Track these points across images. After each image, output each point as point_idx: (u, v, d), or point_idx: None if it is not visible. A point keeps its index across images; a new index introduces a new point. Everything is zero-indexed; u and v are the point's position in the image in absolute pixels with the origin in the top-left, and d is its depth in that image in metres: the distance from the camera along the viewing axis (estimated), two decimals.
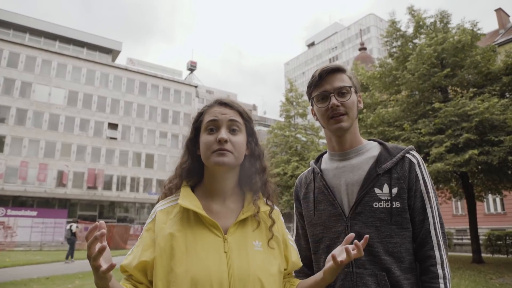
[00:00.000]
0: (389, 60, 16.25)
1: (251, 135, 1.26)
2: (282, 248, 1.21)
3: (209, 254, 1.07)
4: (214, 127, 1.17)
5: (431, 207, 1.25)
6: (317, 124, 34.05)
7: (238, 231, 1.14)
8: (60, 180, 38.48)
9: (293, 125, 26.39)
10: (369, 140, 1.46)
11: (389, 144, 1.39)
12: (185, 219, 1.14)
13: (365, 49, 47.78)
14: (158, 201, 1.27)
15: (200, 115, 1.25)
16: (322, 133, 26.78)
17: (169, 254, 1.08)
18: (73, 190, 39.06)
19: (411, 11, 15.29)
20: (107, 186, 41.25)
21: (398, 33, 15.84)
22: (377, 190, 1.27)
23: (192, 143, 1.26)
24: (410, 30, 15.75)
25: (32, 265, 13.88)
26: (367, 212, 1.27)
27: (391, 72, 15.13)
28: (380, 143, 1.42)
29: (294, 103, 26.36)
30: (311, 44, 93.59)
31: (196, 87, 51.85)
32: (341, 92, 1.33)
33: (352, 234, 1.07)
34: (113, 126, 43.09)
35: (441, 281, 1.18)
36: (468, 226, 15.25)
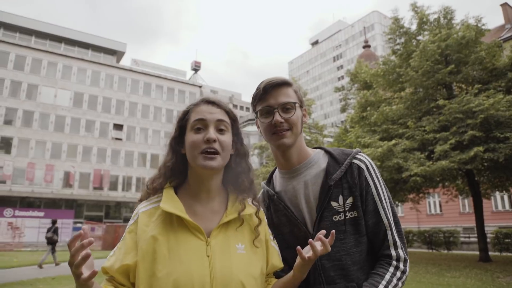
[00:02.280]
0: (393, 58, 16.13)
1: (236, 134, 1.25)
2: (265, 248, 1.21)
3: (191, 258, 1.06)
4: (202, 126, 1.16)
5: (383, 208, 1.25)
6: (321, 122, 33.96)
7: (221, 234, 1.13)
8: (67, 181, 38.83)
9: None
10: (315, 148, 1.44)
11: (335, 151, 1.37)
12: (168, 222, 1.11)
13: (369, 46, 47.51)
14: (140, 201, 1.23)
15: (186, 113, 1.23)
16: (326, 131, 26.67)
17: (151, 258, 1.06)
18: (79, 191, 39.38)
19: (414, 7, 15.15)
20: (113, 186, 41.51)
21: (401, 30, 15.69)
22: (333, 203, 1.27)
23: (176, 141, 1.23)
24: (414, 27, 15.61)
25: None
26: (329, 227, 1.25)
27: (395, 70, 15.02)
28: (326, 151, 1.39)
29: None
30: (315, 43, 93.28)
31: (200, 87, 51.95)
32: (286, 107, 1.30)
33: (323, 231, 1.07)
34: (118, 126, 43.34)
35: (392, 266, 1.20)
36: (475, 224, 15.09)
